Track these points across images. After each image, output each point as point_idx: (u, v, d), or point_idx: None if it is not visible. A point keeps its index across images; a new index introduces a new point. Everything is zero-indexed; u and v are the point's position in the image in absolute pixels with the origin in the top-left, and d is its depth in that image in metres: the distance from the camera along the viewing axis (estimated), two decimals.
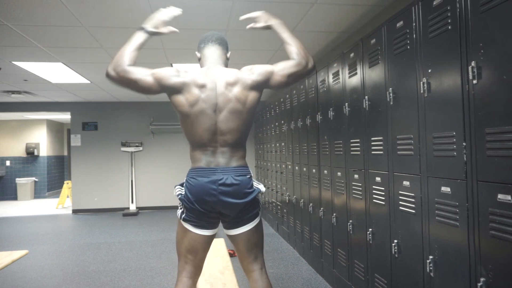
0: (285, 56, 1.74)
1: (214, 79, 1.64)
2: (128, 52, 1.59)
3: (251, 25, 1.81)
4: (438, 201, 1.72)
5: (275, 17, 1.78)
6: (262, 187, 1.71)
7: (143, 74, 1.58)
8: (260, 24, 1.78)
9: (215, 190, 1.60)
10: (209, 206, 1.62)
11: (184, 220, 1.67)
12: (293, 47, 1.71)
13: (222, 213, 1.67)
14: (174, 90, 1.61)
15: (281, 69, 1.69)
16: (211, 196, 1.60)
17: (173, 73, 1.61)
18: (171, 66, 4.64)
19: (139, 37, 1.63)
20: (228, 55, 1.82)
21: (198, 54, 1.81)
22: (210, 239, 1.71)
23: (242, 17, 1.81)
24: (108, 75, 1.58)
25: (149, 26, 1.65)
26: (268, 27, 1.78)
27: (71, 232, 5.95)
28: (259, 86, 1.68)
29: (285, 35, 1.74)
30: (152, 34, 1.66)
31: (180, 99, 1.61)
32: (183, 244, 1.69)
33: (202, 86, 1.62)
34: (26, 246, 4.90)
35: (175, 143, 7.94)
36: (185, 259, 1.70)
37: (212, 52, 1.76)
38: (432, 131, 1.76)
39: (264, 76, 1.68)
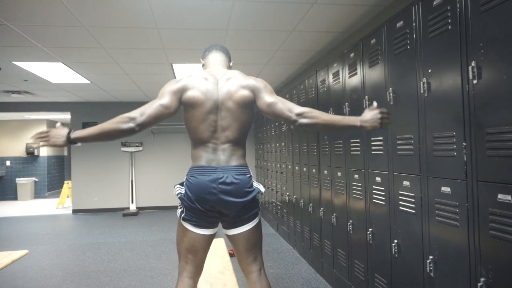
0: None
1: (216, 76, 1.72)
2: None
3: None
4: (438, 201, 1.72)
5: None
6: (261, 188, 1.73)
7: (157, 104, 1.61)
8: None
9: (215, 189, 1.61)
10: (209, 205, 1.63)
11: (184, 219, 1.67)
12: (318, 112, 1.67)
13: (221, 213, 1.67)
14: (187, 88, 1.66)
15: (278, 100, 1.69)
16: (211, 195, 1.61)
17: (176, 80, 1.70)
18: (171, 66, 4.65)
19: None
20: (231, 64, 1.91)
21: (202, 61, 1.91)
22: (210, 238, 1.72)
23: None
24: (134, 131, 1.58)
25: None
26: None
27: (71, 232, 5.95)
28: (252, 89, 1.71)
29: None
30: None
31: (194, 92, 1.66)
32: (183, 244, 1.69)
33: (206, 79, 1.69)
34: (26, 246, 4.90)
35: (175, 143, 7.94)
36: (186, 259, 1.70)
37: (215, 58, 1.86)
38: (432, 131, 1.76)
39: (260, 87, 1.71)
